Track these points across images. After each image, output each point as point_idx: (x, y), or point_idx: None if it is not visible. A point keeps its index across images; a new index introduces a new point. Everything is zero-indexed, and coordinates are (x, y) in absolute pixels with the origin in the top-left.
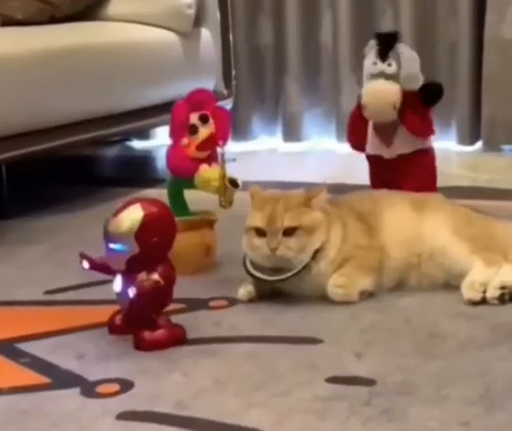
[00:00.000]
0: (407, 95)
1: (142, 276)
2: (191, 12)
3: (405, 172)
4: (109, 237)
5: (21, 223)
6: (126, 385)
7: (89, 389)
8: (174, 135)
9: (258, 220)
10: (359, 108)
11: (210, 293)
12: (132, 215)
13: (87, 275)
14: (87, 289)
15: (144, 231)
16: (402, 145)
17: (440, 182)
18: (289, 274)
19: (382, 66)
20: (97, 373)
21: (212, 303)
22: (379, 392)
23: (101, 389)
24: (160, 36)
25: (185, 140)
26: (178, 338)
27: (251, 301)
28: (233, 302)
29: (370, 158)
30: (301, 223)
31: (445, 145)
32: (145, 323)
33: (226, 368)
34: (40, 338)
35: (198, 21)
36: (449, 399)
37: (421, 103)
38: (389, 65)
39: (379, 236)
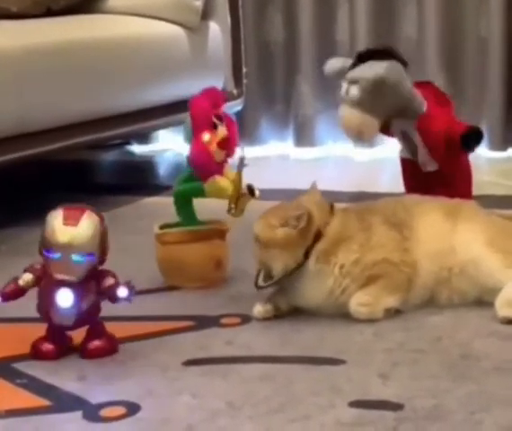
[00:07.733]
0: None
1: (109, 281)
2: (199, 4)
3: (437, 176)
4: (71, 249)
5: (12, 233)
6: (132, 408)
7: (92, 412)
8: (197, 128)
9: None
10: None
11: (221, 309)
12: (92, 222)
13: None
14: None
15: (104, 235)
16: (427, 162)
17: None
18: (270, 282)
19: (343, 91)
20: (100, 396)
21: (223, 321)
22: (407, 418)
23: (105, 412)
24: (164, 30)
25: (206, 135)
26: (115, 346)
27: (266, 319)
28: (246, 319)
29: (404, 161)
30: (259, 233)
31: (475, 151)
32: (96, 331)
33: (240, 390)
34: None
35: (207, 14)
36: (483, 424)
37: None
38: (347, 91)
39: (412, 250)
